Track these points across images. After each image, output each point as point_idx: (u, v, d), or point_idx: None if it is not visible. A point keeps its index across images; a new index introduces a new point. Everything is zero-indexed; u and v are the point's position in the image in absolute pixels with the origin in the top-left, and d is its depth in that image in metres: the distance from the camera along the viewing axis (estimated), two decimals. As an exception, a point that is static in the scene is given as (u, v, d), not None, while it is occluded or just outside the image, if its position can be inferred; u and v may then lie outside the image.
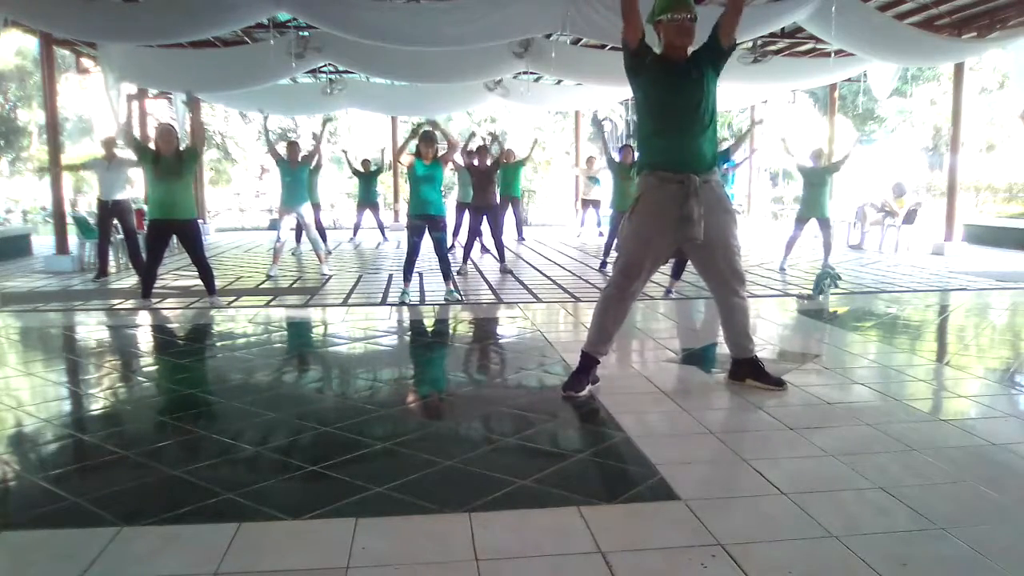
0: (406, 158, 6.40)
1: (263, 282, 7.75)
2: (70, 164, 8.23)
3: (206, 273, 6.21)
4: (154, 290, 6.41)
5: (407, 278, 6.43)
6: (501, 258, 8.57)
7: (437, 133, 6.60)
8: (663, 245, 3.42)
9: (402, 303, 6.28)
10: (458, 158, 8.25)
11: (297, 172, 8.27)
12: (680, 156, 3.35)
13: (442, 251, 6.59)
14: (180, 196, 5.97)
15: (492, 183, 8.46)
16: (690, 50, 3.40)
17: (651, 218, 3.37)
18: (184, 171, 5.97)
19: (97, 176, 8.29)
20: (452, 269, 6.90)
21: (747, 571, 1.91)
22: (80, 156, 9.10)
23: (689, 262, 3.77)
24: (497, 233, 8.52)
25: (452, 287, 6.63)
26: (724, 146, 6.73)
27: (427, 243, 6.52)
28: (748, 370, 3.59)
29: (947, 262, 9.40)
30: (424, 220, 6.36)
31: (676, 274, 6.66)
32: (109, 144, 8.25)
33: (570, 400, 3.42)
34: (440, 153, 6.51)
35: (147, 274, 6.24)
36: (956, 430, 3.03)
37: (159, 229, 6.08)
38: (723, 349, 4.16)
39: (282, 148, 8.80)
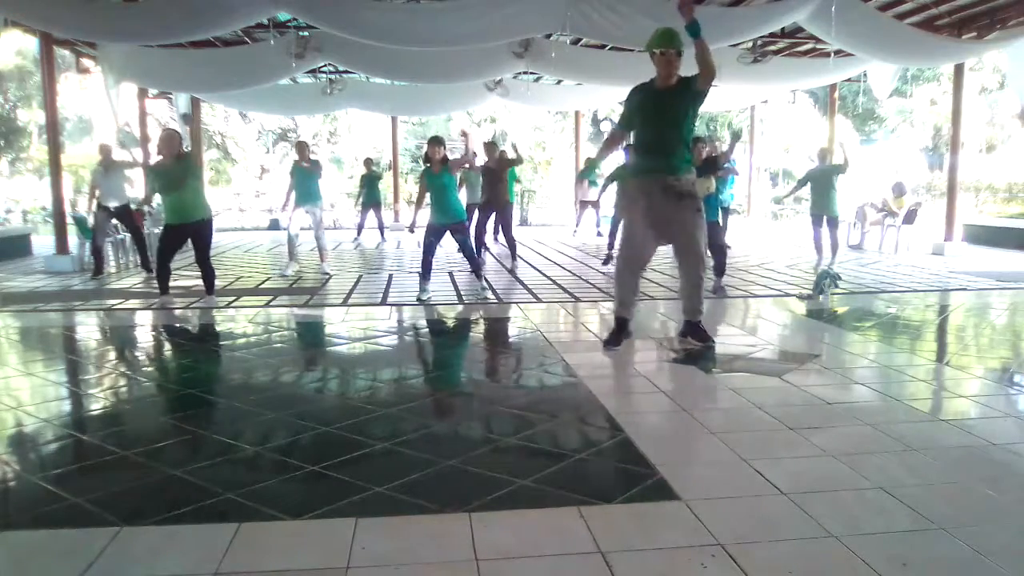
0: (420, 186, 6.43)
1: (264, 281, 7.75)
2: (90, 191, 8.67)
3: (207, 273, 6.29)
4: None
5: (425, 277, 6.43)
6: (513, 256, 8.64)
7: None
8: (648, 221, 4.36)
9: (419, 300, 6.32)
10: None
11: (309, 172, 8.27)
12: (656, 163, 4.32)
13: (468, 251, 6.64)
14: (190, 200, 6.05)
15: (502, 181, 8.45)
16: (678, 76, 4.24)
17: (634, 206, 4.42)
18: (186, 176, 6.01)
19: (98, 184, 8.47)
20: (480, 266, 7.09)
21: (747, 571, 1.91)
22: (89, 172, 9.50)
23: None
24: (508, 231, 8.59)
25: (483, 284, 6.81)
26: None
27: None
28: (692, 331, 4.56)
29: (947, 262, 9.39)
30: (445, 227, 6.40)
31: (719, 271, 6.76)
32: (105, 151, 8.48)
33: (610, 353, 4.35)
34: (448, 158, 6.57)
35: (160, 271, 6.32)
36: (956, 430, 3.03)
37: (175, 232, 6.17)
38: (722, 349, 4.52)
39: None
